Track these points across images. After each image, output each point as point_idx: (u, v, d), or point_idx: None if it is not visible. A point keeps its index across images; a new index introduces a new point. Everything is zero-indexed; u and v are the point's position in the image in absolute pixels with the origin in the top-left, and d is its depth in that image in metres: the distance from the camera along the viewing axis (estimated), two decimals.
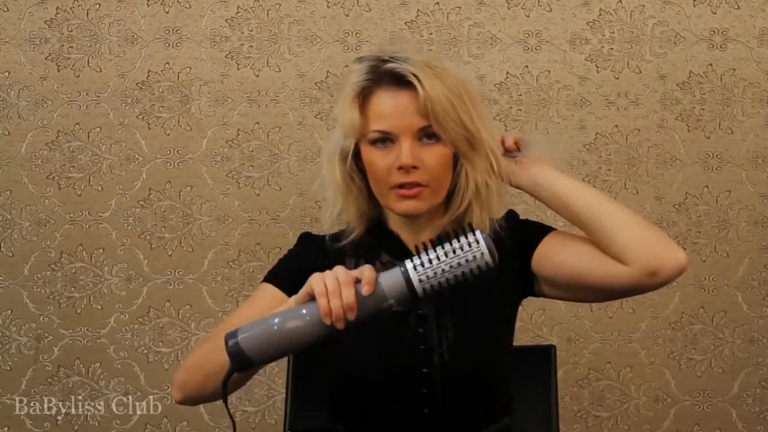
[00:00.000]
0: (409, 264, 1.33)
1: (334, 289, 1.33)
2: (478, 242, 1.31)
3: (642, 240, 1.55)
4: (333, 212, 1.66)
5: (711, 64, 2.64)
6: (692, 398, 2.72)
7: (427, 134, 1.57)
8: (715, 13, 2.63)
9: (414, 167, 1.56)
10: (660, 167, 2.66)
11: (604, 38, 2.64)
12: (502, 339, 1.67)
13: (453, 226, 1.61)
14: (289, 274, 1.64)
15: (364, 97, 1.59)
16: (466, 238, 1.32)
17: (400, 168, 1.56)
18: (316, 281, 1.35)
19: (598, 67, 2.64)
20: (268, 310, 1.48)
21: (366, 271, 1.35)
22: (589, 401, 2.72)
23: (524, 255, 1.65)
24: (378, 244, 1.66)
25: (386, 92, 1.57)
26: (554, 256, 1.63)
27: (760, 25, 2.63)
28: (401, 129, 1.56)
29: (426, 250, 1.33)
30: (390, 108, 1.57)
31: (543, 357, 1.98)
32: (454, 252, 1.31)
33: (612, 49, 2.64)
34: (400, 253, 1.64)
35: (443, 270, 1.31)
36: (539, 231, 1.67)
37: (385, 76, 1.57)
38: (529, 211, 2.33)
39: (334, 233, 1.68)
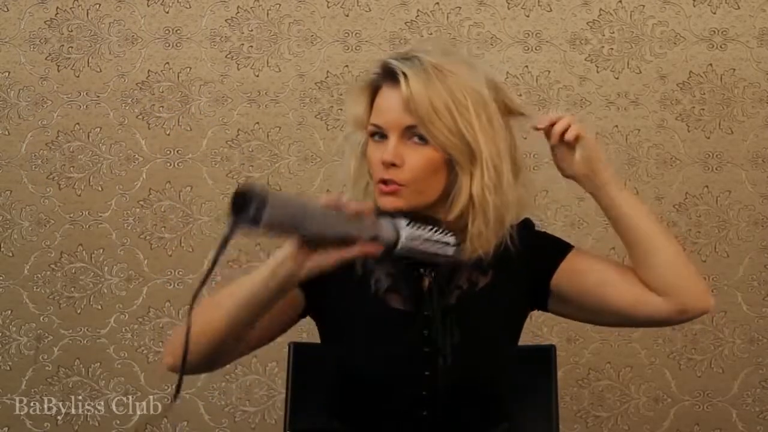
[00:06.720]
0: (402, 222, 1.49)
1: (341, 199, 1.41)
2: (450, 245, 1.54)
3: (685, 279, 1.58)
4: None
5: (711, 64, 2.64)
6: (692, 398, 2.72)
7: (417, 134, 1.55)
8: (715, 13, 2.63)
9: (393, 164, 1.55)
10: (660, 167, 2.66)
11: (604, 38, 2.64)
12: (505, 347, 1.67)
13: (451, 226, 1.61)
14: None
15: (374, 90, 1.60)
16: (446, 234, 1.54)
17: (383, 163, 1.56)
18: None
19: (598, 67, 2.64)
20: (280, 307, 1.54)
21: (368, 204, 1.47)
22: (589, 401, 2.72)
23: (540, 270, 1.64)
24: None
25: (388, 88, 1.57)
26: (582, 278, 1.62)
27: (760, 25, 2.63)
28: (390, 125, 1.56)
29: (415, 221, 1.51)
30: (385, 103, 1.57)
31: (543, 357, 1.98)
32: (435, 241, 1.53)
33: (612, 49, 2.64)
34: None
35: (422, 248, 1.51)
36: (559, 248, 1.66)
37: (388, 72, 1.57)
38: None
39: None
